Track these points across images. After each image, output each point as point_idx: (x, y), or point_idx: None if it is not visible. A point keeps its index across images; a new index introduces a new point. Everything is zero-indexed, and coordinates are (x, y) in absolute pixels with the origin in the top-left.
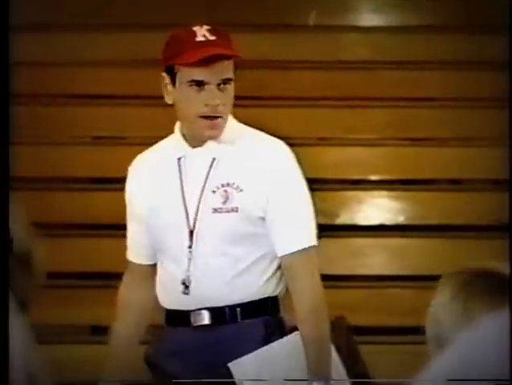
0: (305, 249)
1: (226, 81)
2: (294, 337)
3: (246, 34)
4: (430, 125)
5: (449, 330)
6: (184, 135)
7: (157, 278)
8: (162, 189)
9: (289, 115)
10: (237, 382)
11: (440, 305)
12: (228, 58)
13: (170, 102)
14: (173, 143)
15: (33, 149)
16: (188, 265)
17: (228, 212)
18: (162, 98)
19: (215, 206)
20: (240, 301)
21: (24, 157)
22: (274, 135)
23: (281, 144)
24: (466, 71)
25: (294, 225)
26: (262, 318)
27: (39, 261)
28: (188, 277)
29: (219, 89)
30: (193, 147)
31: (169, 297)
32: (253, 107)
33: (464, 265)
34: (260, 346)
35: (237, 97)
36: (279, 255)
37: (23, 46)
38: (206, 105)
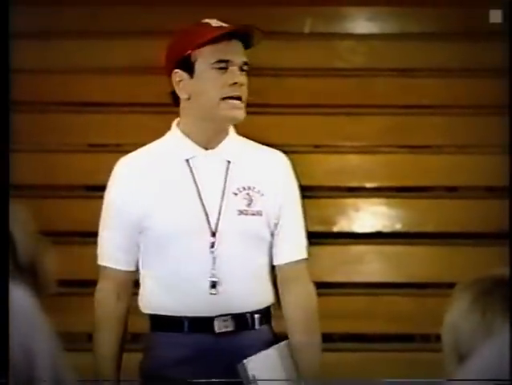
0: (303, 260)
1: (245, 64)
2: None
3: None
4: (427, 132)
5: (468, 338)
6: (188, 136)
7: (155, 286)
8: (172, 191)
9: (285, 122)
10: (250, 377)
11: (458, 313)
12: (250, 30)
13: (186, 96)
14: (177, 144)
15: (29, 156)
16: (213, 264)
17: (253, 214)
18: (158, 105)
19: (240, 208)
20: (258, 307)
21: (20, 164)
22: (271, 143)
23: (283, 155)
24: (464, 78)
25: (296, 236)
26: (269, 325)
27: (47, 269)
28: (214, 275)
29: (240, 72)
30: (205, 148)
31: (190, 302)
32: (248, 115)
33: (481, 272)
34: None
35: None
36: (280, 263)
37: (20, 53)
38: (231, 85)
